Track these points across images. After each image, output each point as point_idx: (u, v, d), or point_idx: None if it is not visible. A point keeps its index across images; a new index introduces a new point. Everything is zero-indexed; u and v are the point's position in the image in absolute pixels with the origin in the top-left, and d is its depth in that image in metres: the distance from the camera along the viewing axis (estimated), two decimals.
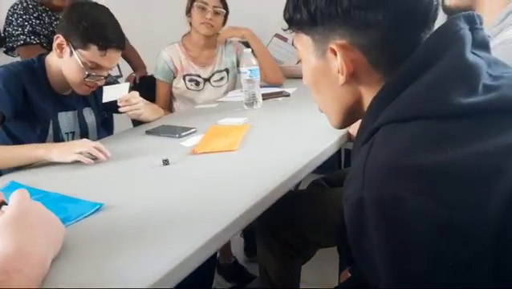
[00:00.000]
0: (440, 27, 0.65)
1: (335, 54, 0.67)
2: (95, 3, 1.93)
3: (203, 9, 2.07)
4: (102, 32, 1.38)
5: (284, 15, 0.74)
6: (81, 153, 1.26)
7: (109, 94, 1.54)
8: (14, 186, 1.15)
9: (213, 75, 2.22)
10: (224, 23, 2.16)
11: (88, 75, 1.42)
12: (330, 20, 0.66)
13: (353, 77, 0.68)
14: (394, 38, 0.64)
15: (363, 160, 0.58)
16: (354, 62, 0.66)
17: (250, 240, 2.17)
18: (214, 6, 2.08)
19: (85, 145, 1.28)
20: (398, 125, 0.60)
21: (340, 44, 0.66)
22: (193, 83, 2.19)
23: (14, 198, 0.76)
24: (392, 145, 0.58)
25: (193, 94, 2.20)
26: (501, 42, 1.07)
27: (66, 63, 1.43)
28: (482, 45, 0.65)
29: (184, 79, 2.18)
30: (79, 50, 1.39)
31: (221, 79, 2.25)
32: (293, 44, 0.78)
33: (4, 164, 1.29)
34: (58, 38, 1.41)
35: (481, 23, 0.66)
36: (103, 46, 1.38)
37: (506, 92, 0.58)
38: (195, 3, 2.08)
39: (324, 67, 0.71)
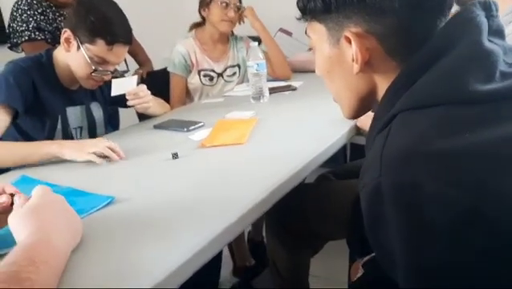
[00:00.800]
0: (456, 14, 0.64)
1: (350, 42, 0.66)
2: None
3: (226, 6, 2.06)
4: (109, 27, 1.37)
5: (297, 4, 0.73)
6: (94, 153, 1.24)
7: (118, 87, 1.54)
8: (25, 180, 1.15)
9: (226, 69, 2.22)
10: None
11: (95, 70, 1.41)
12: (344, 7, 0.65)
13: (368, 65, 0.67)
14: (410, 26, 0.63)
15: (380, 147, 0.58)
16: (369, 50, 0.66)
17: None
18: (235, 4, 2.08)
19: (98, 145, 1.25)
20: (415, 112, 0.59)
21: (355, 32, 0.65)
22: (207, 79, 2.19)
23: (37, 191, 0.77)
24: (410, 131, 0.57)
25: (206, 89, 2.20)
26: None
27: (73, 57, 1.42)
28: (497, 32, 0.64)
29: (198, 74, 2.18)
30: (86, 44, 1.38)
31: (234, 74, 2.25)
32: (306, 33, 0.78)
33: (18, 162, 1.27)
34: (66, 33, 1.40)
35: (497, 10, 0.65)
36: (111, 41, 1.38)
37: None
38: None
39: (338, 55, 0.70)
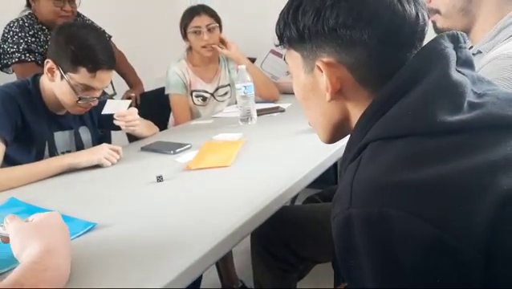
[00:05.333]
0: (424, 46, 0.66)
1: (322, 71, 0.68)
2: (83, 23, 1.95)
3: (198, 32, 2.11)
4: (90, 54, 1.37)
5: (276, 31, 0.75)
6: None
7: (110, 107, 1.57)
8: (13, 203, 1.15)
9: (217, 89, 2.25)
10: (220, 31, 2.19)
11: (80, 98, 1.41)
12: (317, 38, 0.67)
13: (340, 94, 0.69)
14: (380, 57, 0.65)
15: (350, 177, 0.59)
16: (340, 79, 0.67)
17: None
18: (207, 25, 2.11)
19: (104, 149, 1.42)
20: (385, 143, 0.60)
21: (326, 62, 0.67)
22: (199, 99, 2.22)
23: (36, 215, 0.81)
24: (379, 163, 0.58)
25: (199, 109, 2.23)
26: (496, 58, 1.09)
27: (57, 86, 1.42)
28: (466, 63, 0.66)
29: (191, 95, 2.21)
30: (69, 73, 1.38)
31: (225, 93, 2.29)
32: (284, 59, 0.79)
33: (33, 180, 1.31)
34: (48, 63, 1.40)
35: (465, 42, 0.67)
36: (93, 69, 1.37)
37: (491, 109, 0.59)
38: (188, 29, 2.13)
39: (312, 83, 0.72)
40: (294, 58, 0.74)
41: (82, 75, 1.38)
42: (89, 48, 1.37)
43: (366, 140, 0.63)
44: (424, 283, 0.51)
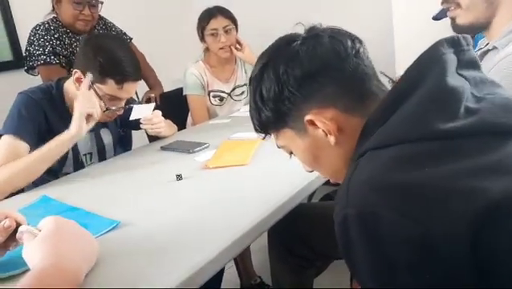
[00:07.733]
0: (421, 55, 0.68)
1: (313, 123, 0.71)
2: (108, 34, 1.98)
3: (216, 35, 2.15)
4: (118, 67, 1.39)
5: (256, 126, 0.80)
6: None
7: (136, 113, 1.61)
8: (45, 200, 1.21)
9: (234, 89, 2.29)
10: (236, 32, 2.22)
11: (107, 109, 1.45)
12: (291, 102, 0.71)
13: (339, 131, 0.71)
14: (345, 80, 0.70)
15: (347, 179, 0.62)
16: (332, 119, 0.70)
17: None
18: (224, 27, 2.15)
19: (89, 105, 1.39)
20: (380, 150, 0.63)
21: (313, 114, 0.70)
22: (216, 99, 2.27)
23: (45, 221, 0.80)
24: (374, 165, 0.61)
25: (216, 108, 2.27)
26: (510, 54, 1.09)
27: None
28: (470, 64, 0.68)
29: (208, 95, 2.25)
30: (97, 84, 1.41)
31: (242, 93, 2.32)
32: (278, 147, 0.82)
33: (49, 163, 1.36)
34: (77, 73, 1.43)
35: (468, 44, 0.69)
36: (121, 81, 1.40)
37: (485, 116, 0.62)
38: (205, 32, 2.16)
39: (312, 140, 0.74)
40: (285, 135, 0.77)
41: (109, 87, 1.41)
42: (117, 60, 1.40)
43: (365, 148, 0.65)
44: (416, 281, 0.54)
